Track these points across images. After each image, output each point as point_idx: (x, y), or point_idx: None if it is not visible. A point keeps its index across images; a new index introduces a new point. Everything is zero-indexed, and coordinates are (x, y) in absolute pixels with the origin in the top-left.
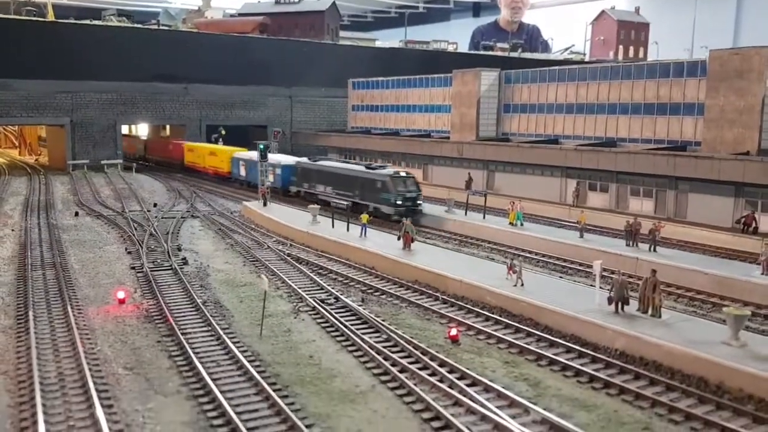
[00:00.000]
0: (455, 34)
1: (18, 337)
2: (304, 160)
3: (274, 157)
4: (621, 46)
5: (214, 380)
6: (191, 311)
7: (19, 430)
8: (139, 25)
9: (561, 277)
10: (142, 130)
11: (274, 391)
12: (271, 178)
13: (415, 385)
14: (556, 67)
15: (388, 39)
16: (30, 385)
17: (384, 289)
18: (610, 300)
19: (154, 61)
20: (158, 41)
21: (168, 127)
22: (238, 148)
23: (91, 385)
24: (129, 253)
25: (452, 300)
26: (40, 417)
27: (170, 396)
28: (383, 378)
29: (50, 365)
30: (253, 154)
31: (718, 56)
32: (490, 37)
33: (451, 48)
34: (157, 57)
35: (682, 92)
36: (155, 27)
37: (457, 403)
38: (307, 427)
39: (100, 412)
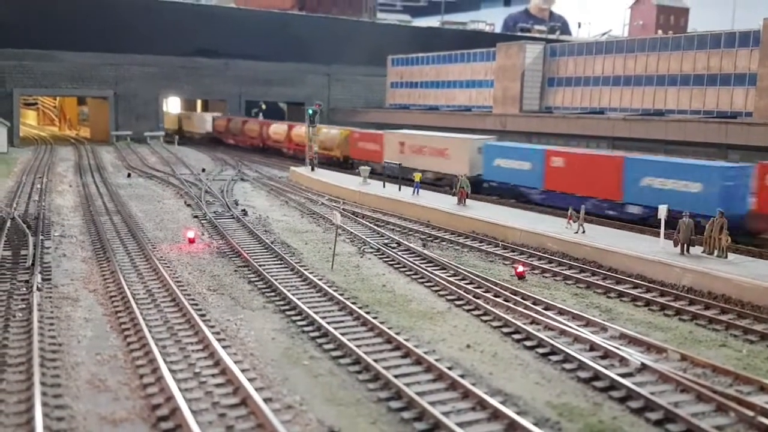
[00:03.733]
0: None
1: (99, 264)
2: None
3: None
4: (660, 31)
5: (297, 299)
6: (261, 249)
7: (120, 332)
8: (182, 0)
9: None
10: (174, 106)
11: (357, 308)
12: None
13: (491, 307)
14: (603, 40)
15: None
16: (123, 299)
17: (443, 236)
18: (675, 242)
19: (195, 36)
20: (200, 16)
21: (199, 102)
22: None
23: (182, 298)
24: (188, 205)
25: (512, 246)
26: (141, 321)
27: (257, 310)
28: (458, 303)
29: (137, 285)
30: None
31: None
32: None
33: (488, 29)
34: (198, 32)
35: (733, 62)
36: (196, 2)
37: (534, 321)
38: (395, 335)
39: (196, 317)
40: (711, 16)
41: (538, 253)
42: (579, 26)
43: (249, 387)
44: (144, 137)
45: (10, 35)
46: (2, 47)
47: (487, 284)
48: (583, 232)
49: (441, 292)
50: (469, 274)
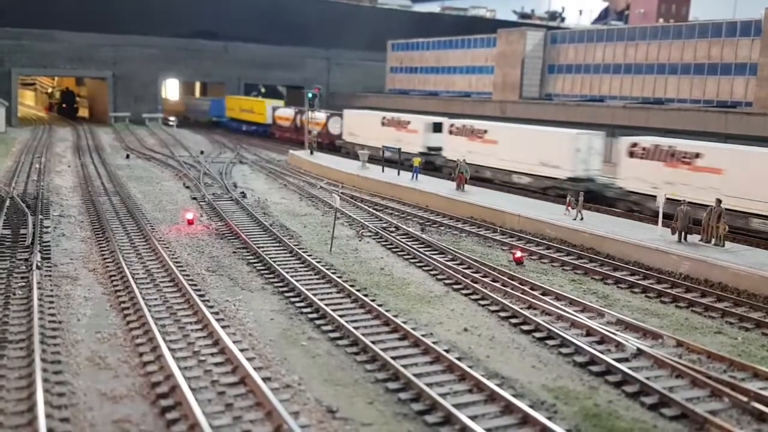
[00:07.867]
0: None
1: (99, 244)
2: None
3: None
4: (661, 19)
5: (296, 281)
6: (260, 231)
7: (120, 311)
8: None
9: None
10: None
11: (355, 290)
12: None
13: (489, 292)
14: (604, 27)
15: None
16: (122, 279)
17: (441, 221)
18: (673, 230)
19: (195, 18)
20: None
21: (198, 85)
22: None
23: (181, 279)
24: (187, 187)
25: (510, 232)
26: (141, 300)
27: (256, 291)
28: (456, 287)
29: (137, 265)
30: None
31: None
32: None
33: (489, 15)
34: (198, 14)
35: (734, 52)
36: None
37: (531, 306)
38: (393, 317)
39: (195, 297)
40: (712, 5)
41: (536, 239)
42: (580, 13)
43: (248, 366)
44: (142, 119)
45: (8, 14)
46: (0, 26)
47: (485, 269)
48: (581, 218)
49: (439, 276)
50: (467, 259)
